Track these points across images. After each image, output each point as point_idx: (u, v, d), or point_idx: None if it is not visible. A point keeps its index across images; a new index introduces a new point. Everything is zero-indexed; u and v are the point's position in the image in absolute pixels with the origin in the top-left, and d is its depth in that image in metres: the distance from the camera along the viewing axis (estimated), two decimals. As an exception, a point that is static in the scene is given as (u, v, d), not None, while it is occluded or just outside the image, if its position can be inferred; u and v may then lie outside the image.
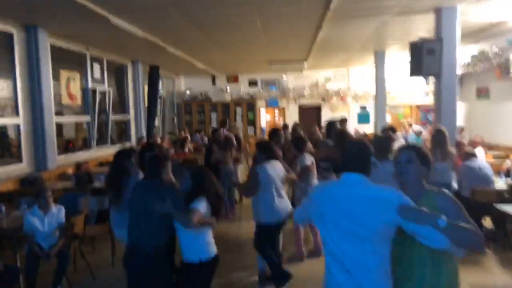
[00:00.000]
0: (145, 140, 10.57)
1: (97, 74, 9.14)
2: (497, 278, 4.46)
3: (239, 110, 15.04)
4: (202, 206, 3.08)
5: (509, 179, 6.16)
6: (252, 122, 14.96)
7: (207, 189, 3.17)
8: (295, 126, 8.67)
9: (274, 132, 6.04)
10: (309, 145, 6.05)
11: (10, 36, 6.35)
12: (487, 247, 5.18)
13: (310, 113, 14.58)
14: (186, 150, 10.02)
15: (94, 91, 8.79)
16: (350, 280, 1.99)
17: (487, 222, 5.72)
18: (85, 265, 4.78)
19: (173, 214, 3.02)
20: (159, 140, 11.26)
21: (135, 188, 3.33)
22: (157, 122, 12.23)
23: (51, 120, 6.97)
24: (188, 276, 3.09)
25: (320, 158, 4.91)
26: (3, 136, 6.69)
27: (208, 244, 3.14)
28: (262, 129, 15.05)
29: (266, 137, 7.65)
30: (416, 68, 6.45)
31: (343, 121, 9.27)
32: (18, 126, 6.49)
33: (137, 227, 3.15)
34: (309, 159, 5.04)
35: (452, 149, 5.25)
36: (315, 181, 4.98)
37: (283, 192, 4.39)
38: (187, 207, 3.05)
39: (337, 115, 14.35)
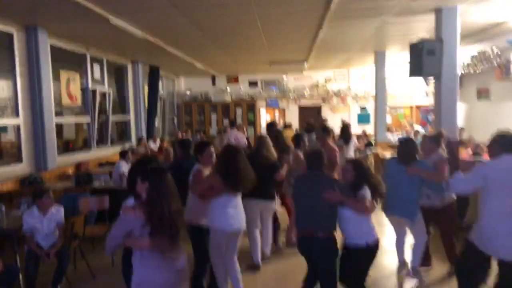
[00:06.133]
0: (145, 140, 10.58)
1: (97, 75, 9.14)
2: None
3: (239, 110, 15.03)
4: (367, 193, 3.40)
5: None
6: (252, 122, 14.95)
7: (368, 179, 3.49)
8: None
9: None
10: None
11: (10, 36, 6.35)
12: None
13: (310, 114, 14.56)
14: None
15: (94, 92, 8.79)
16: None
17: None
18: (85, 265, 4.78)
19: (345, 202, 3.34)
20: (158, 141, 11.29)
21: (299, 179, 3.76)
22: (157, 122, 12.24)
23: (51, 120, 6.97)
24: (356, 259, 3.42)
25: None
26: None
27: (372, 228, 3.47)
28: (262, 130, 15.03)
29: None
30: (416, 69, 6.45)
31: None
32: (18, 127, 6.49)
33: (309, 214, 3.46)
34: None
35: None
36: None
37: None
38: (354, 195, 3.39)
39: (337, 115, 14.39)
